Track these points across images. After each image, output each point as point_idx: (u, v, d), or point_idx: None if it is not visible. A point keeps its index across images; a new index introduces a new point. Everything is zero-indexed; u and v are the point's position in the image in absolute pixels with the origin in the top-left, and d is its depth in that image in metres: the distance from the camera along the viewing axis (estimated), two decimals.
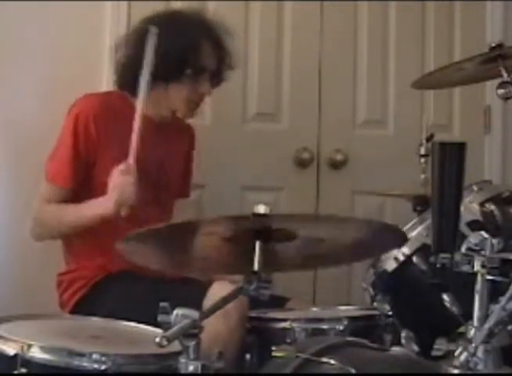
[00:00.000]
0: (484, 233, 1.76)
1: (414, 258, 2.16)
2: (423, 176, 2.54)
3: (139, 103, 2.40)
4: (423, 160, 2.56)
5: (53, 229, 2.52)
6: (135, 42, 2.57)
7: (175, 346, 1.60)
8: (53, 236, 2.57)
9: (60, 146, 2.54)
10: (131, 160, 2.35)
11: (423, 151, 2.57)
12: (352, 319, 2.11)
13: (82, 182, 2.51)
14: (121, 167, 2.35)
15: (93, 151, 2.51)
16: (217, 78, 2.65)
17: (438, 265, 1.73)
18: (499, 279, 1.71)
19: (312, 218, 1.93)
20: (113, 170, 2.36)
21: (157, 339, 1.51)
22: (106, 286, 2.47)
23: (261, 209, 1.74)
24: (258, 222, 1.69)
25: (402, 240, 2.03)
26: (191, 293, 2.24)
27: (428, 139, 2.57)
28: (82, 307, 2.44)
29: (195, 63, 2.56)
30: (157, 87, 2.56)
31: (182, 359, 1.58)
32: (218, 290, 2.22)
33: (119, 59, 2.62)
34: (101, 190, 2.41)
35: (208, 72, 2.60)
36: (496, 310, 1.66)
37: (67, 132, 2.52)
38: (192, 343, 1.56)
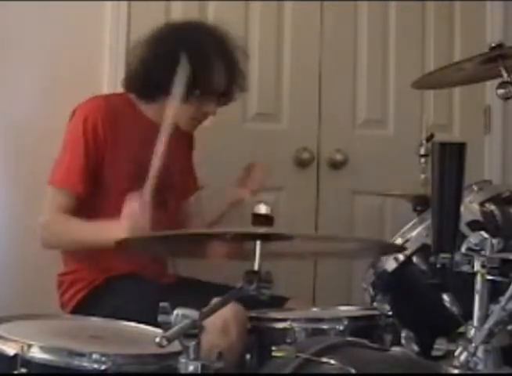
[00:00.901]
0: (484, 233, 1.76)
1: (414, 258, 2.17)
2: (423, 176, 2.54)
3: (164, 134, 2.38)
4: (423, 160, 2.56)
5: (62, 241, 2.50)
6: (153, 50, 2.55)
7: (175, 346, 1.60)
8: (62, 248, 2.56)
9: (68, 151, 2.51)
10: (147, 190, 2.33)
11: (423, 151, 2.57)
12: (352, 319, 2.11)
13: (91, 186, 2.50)
14: (136, 196, 2.32)
15: (102, 153, 2.49)
16: (225, 99, 2.63)
17: (438, 265, 1.73)
18: (499, 279, 1.71)
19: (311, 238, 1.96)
20: (126, 198, 2.33)
21: (157, 339, 1.51)
22: (106, 288, 2.47)
23: (262, 209, 1.74)
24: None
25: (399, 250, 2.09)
26: (192, 296, 2.23)
27: (428, 139, 2.57)
28: (83, 308, 2.44)
29: (205, 84, 2.53)
30: (163, 100, 2.53)
31: (182, 359, 1.58)
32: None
33: (131, 63, 2.61)
34: (108, 195, 2.41)
35: (217, 93, 2.58)
36: (496, 310, 1.66)
37: (75, 136, 2.50)
38: (192, 343, 1.56)
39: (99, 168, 2.50)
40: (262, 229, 1.72)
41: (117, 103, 2.59)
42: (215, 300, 2.03)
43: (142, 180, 2.45)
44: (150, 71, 2.52)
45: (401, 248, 2.13)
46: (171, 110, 2.40)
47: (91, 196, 2.49)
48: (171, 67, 2.45)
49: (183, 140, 2.75)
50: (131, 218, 2.30)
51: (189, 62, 2.45)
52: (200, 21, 2.69)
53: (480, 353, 1.67)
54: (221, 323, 2.11)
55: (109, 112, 2.53)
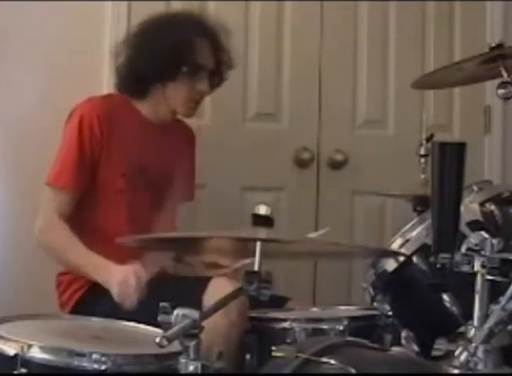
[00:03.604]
0: (484, 233, 1.76)
1: (414, 258, 2.16)
2: (423, 176, 2.54)
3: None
4: (423, 160, 2.56)
5: (56, 255, 2.47)
6: (134, 45, 2.57)
7: (175, 346, 1.60)
8: (53, 258, 2.53)
9: (64, 150, 2.52)
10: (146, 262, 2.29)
11: (423, 151, 2.57)
12: (352, 319, 2.11)
13: (86, 185, 2.50)
14: (135, 268, 2.27)
15: (98, 152, 2.50)
16: (217, 77, 2.64)
17: (438, 266, 1.73)
18: (499, 279, 1.71)
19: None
20: (128, 262, 2.28)
21: (157, 339, 1.51)
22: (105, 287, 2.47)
23: (262, 209, 1.74)
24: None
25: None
26: (190, 290, 2.24)
27: (428, 139, 2.57)
28: (82, 307, 2.44)
29: (190, 60, 2.55)
30: (155, 89, 2.57)
31: (182, 359, 1.58)
32: (218, 285, 2.23)
33: (119, 62, 2.61)
34: (103, 195, 2.41)
35: (206, 70, 2.59)
36: (496, 310, 1.66)
37: (72, 135, 2.50)
38: (192, 343, 1.56)
39: (95, 167, 2.50)
40: (262, 234, 1.72)
41: (114, 103, 2.60)
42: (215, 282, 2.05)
43: (138, 179, 2.46)
44: (138, 66, 2.54)
45: (399, 254, 2.14)
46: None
47: (87, 195, 2.49)
48: (156, 61, 2.47)
49: (184, 138, 2.75)
50: (124, 283, 2.26)
51: (170, 41, 2.49)
52: (176, 11, 2.71)
53: (480, 353, 1.67)
54: None
55: (106, 112, 2.53)
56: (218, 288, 2.17)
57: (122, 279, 2.25)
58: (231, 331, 2.14)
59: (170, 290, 2.26)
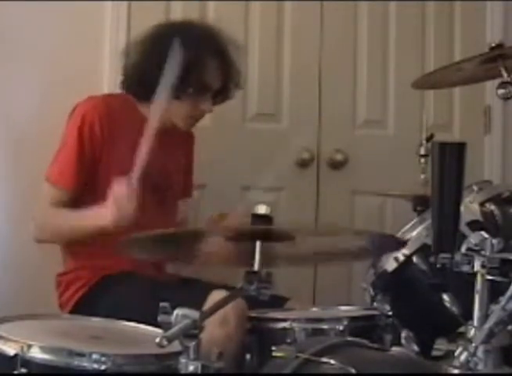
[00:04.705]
0: (484, 233, 1.76)
1: (414, 258, 2.17)
2: (423, 176, 2.54)
3: (153, 116, 2.33)
4: (423, 160, 2.56)
5: (53, 234, 2.49)
6: (145, 49, 2.56)
7: (175, 346, 1.60)
8: (54, 242, 2.56)
9: (64, 148, 2.52)
10: (135, 174, 2.30)
11: (423, 151, 2.57)
12: (352, 319, 2.11)
13: (85, 184, 2.50)
14: (123, 180, 2.30)
15: (98, 151, 2.50)
16: (221, 97, 2.64)
17: (438, 265, 1.73)
18: (499, 279, 1.71)
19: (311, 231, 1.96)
20: (114, 181, 2.30)
21: (157, 339, 1.51)
22: (105, 287, 2.47)
23: (262, 209, 1.74)
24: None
25: (400, 245, 2.08)
26: (191, 295, 2.24)
27: (428, 139, 2.57)
28: (81, 308, 2.44)
29: (198, 81, 2.54)
30: None
31: (182, 359, 1.58)
32: (218, 298, 2.22)
33: (128, 63, 2.61)
34: (103, 193, 2.41)
35: (211, 91, 2.59)
36: (496, 310, 1.67)
37: (72, 133, 2.51)
38: (192, 343, 1.56)
39: (95, 166, 2.50)
40: (261, 227, 1.73)
41: (116, 103, 2.60)
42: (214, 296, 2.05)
43: (138, 178, 2.46)
44: (145, 71, 2.53)
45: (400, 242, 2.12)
46: (159, 104, 2.36)
47: (87, 194, 2.49)
48: (165, 66, 2.47)
49: (183, 139, 2.75)
50: (117, 203, 2.28)
51: (181, 58, 2.47)
52: (194, 20, 2.69)
53: (480, 353, 1.67)
54: (220, 313, 2.11)
55: (107, 111, 2.54)
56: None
57: (113, 199, 2.27)
58: (230, 344, 2.13)
59: (170, 295, 2.26)
